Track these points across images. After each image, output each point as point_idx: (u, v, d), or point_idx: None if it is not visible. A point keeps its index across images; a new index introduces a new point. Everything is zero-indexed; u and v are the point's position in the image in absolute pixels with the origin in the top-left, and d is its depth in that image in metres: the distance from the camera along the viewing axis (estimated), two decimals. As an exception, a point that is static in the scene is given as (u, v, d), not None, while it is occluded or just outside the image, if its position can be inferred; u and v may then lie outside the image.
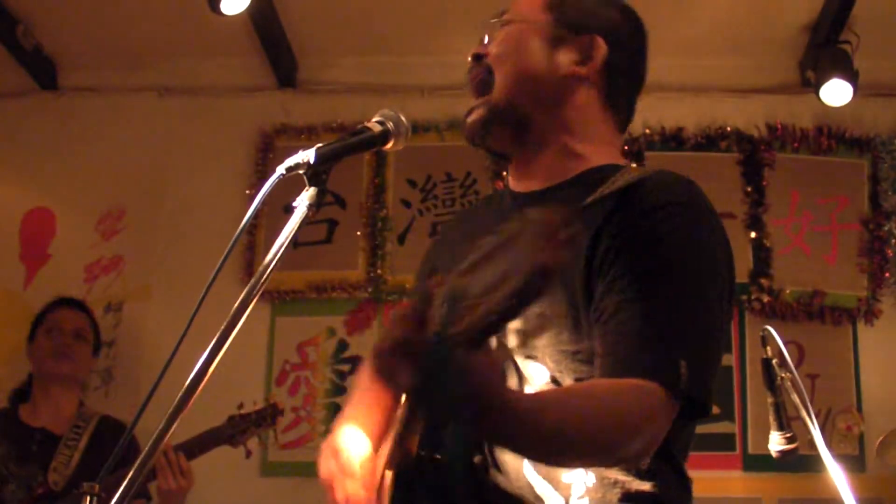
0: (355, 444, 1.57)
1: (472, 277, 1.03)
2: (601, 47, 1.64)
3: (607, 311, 1.40)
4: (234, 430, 3.16)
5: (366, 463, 1.53)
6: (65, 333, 3.57)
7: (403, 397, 1.45)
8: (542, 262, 0.94)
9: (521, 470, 1.46)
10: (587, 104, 1.64)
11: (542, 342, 1.47)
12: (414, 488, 1.45)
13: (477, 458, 1.45)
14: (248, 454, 3.20)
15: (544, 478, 1.46)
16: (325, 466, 1.55)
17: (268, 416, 3.23)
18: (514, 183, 1.70)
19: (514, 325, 1.06)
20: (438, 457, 1.35)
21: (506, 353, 1.12)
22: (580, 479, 1.45)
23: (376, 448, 1.62)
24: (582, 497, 1.45)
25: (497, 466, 1.47)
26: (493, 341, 1.06)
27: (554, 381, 1.46)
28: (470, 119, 1.65)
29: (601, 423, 1.29)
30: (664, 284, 1.41)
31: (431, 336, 1.03)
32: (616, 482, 1.45)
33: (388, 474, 1.50)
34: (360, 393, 1.74)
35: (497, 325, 1.00)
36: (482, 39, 1.69)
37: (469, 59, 1.70)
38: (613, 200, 1.48)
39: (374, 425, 1.66)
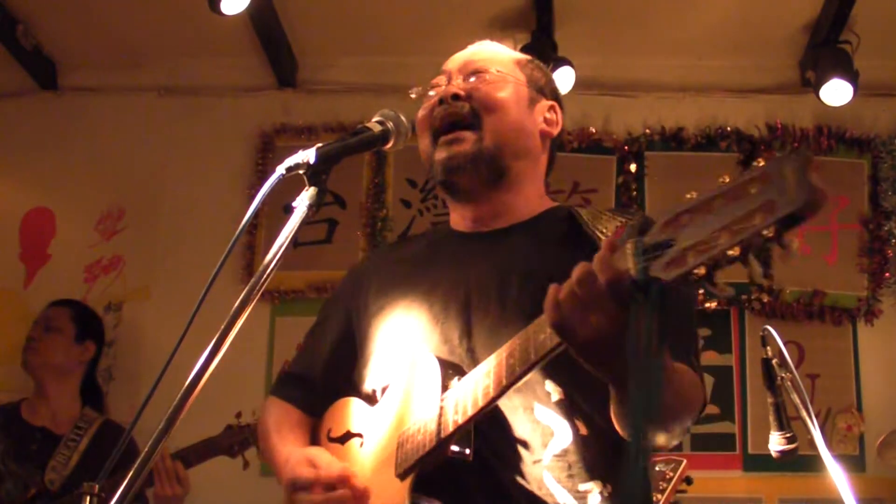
0: (327, 455, 1.62)
1: (677, 227, 1.05)
2: (560, 114, 1.82)
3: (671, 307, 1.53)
4: (233, 441, 3.15)
5: (343, 472, 1.57)
6: (36, 329, 3.58)
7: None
8: (817, 184, 0.99)
9: (541, 478, 1.51)
10: (543, 163, 1.81)
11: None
12: (435, 491, 1.48)
13: (496, 464, 1.50)
14: (246, 465, 3.19)
15: (563, 486, 1.51)
16: (301, 471, 1.58)
17: None
18: (465, 224, 1.78)
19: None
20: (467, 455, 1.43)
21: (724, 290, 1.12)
22: (595, 489, 1.51)
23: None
24: None
25: (522, 475, 1.51)
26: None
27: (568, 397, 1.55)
28: (458, 148, 1.70)
29: (690, 392, 1.47)
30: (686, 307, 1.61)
31: (637, 278, 1.07)
32: None
33: (399, 482, 1.51)
34: (280, 427, 1.78)
35: (738, 258, 1.03)
36: (448, 82, 1.76)
37: (446, 93, 1.73)
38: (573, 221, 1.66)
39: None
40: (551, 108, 1.79)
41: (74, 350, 3.59)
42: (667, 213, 1.07)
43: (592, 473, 1.52)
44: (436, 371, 1.51)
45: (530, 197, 1.76)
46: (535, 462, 1.52)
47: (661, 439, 1.45)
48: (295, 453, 1.65)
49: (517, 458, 1.52)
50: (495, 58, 1.79)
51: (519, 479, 1.51)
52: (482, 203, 1.74)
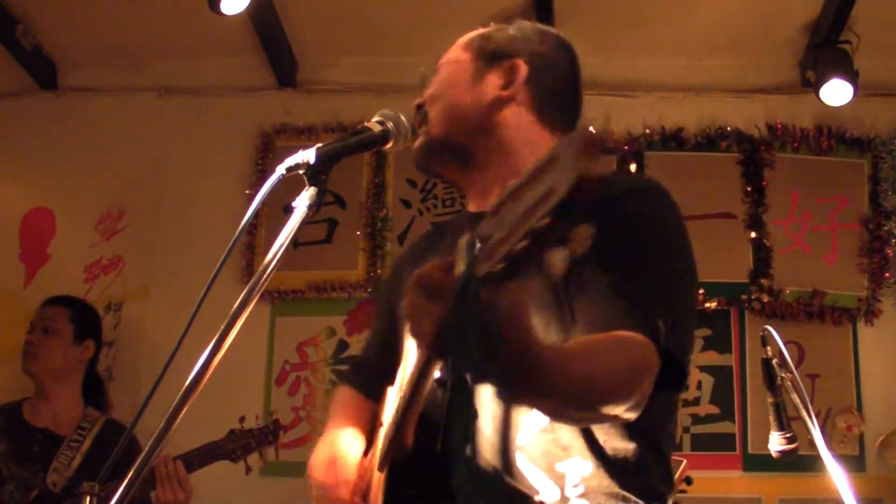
0: (352, 448, 1.66)
1: (495, 219, 0.98)
2: (521, 68, 1.74)
3: (587, 282, 1.46)
4: (235, 446, 3.15)
5: (358, 467, 1.59)
6: (33, 332, 3.57)
7: (400, 396, 1.47)
8: (583, 167, 0.87)
9: (514, 461, 1.49)
10: (520, 122, 1.73)
11: None
12: (408, 480, 1.48)
13: (469, 450, 1.47)
14: (248, 470, 3.19)
15: (539, 467, 1.49)
16: (319, 471, 1.64)
17: (269, 433, 3.23)
18: (472, 205, 1.80)
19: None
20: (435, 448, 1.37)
21: (534, 289, 1.07)
22: (574, 469, 1.49)
23: (366, 451, 1.67)
24: (577, 485, 1.48)
25: (497, 460, 1.50)
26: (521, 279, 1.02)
27: None
28: (414, 146, 1.75)
29: (611, 372, 1.33)
30: (640, 258, 1.48)
31: (460, 275, 1.00)
32: (611, 472, 1.49)
33: (381, 475, 1.52)
34: (337, 413, 1.82)
35: (527, 251, 0.93)
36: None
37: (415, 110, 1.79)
38: None
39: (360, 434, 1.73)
40: (510, 67, 1.73)
41: (74, 351, 3.57)
42: (495, 202, 0.99)
43: (568, 452, 1.49)
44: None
45: (521, 164, 1.68)
46: (510, 444, 1.50)
47: (578, 416, 1.37)
48: (321, 450, 1.71)
49: (491, 444, 1.51)
50: (450, 51, 1.83)
51: (494, 464, 1.50)
52: (471, 184, 1.76)
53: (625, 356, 1.35)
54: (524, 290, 1.07)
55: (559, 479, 1.48)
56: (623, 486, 1.48)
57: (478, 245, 0.98)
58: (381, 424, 1.69)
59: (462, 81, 1.75)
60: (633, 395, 1.33)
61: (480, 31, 1.84)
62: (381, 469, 1.54)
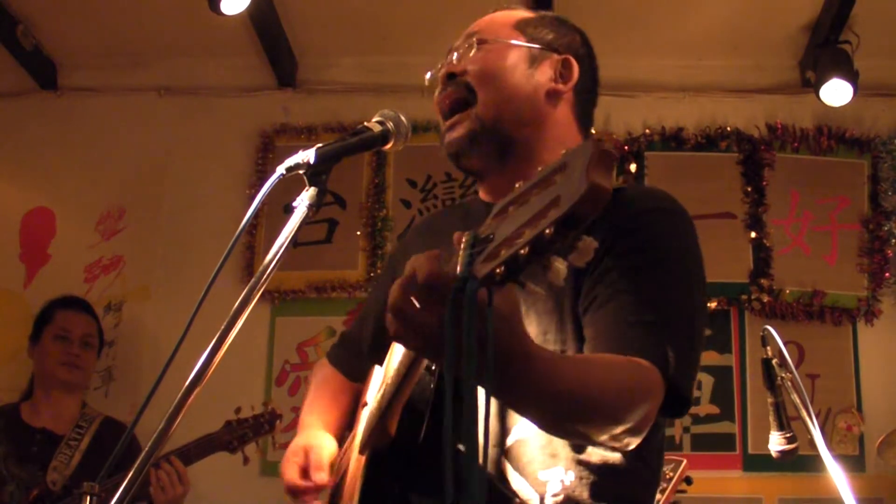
0: (326, 444, 1.66)
1: (498, 220, 0.95)
2: (574, 66, 1.71)
3: (598, 299, 1.44)
4: (232, 437, 3.15)
5: (333, 460, 1.58)
6: (73, 342, 3.56)
7: (386, 384, 1.47)
8: (593, 181, 0.84)
9: (497, 465, 1.48)
10: (564, 121, 1.70)
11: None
12: (387, 469, 1.47)
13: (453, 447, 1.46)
14: (246, 461, 3.19)
15: (521, 474, 1.48)
16: (291, 472, 1.65)
17: (265, 422, 3.22)
18: (486, 194, 1.74)
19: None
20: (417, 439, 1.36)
21: (532, 292, 0.99)
22: (556, 477, 1.47)
23: (340, 445, 1.66)
24: (557, 494, 1.47)
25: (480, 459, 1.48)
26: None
27: None
28: (455, 134, 1.66)
29: (611, 390, 1.28)
30: (655, 280, 1.45)
31: (456, 274, 0.95)
32: (592, 483, 1.47)
33: (361, 458, 1.51)
34: (316, 392, 1.79)
35: (530, 258, 0.89)
36: (449, 60, 1.72)
37: (439, 76, 1.71)
38: None
39: (334, 424, 1.71)
40: (564, 61, 1.69)
41: (95, 363, 3.76)
42: (500, 202, 0.97)
43: (554, 460, 1.48)
44: None
45: (550, 162, 1.71)
46: (493, 447, 1.48)
47: (570, 430, 1.32)
48: (297, 439, 1.71)
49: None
50: (492, 25, 1.73)
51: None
52: (499, 176, 1.67)
53: (626, 378, 1.31)
54: (522, 296, 1.04)
55: (540, 486, 1.47)
56: (605, 496, 1.47)
57: (477, 245, 0.96)
58: (364, 404, 1.67)
59: (519, 65, 1.66)
60: (631, 417, 1.28)
61: (522, 12, 1.76)
62: (361, 452, 1.53)
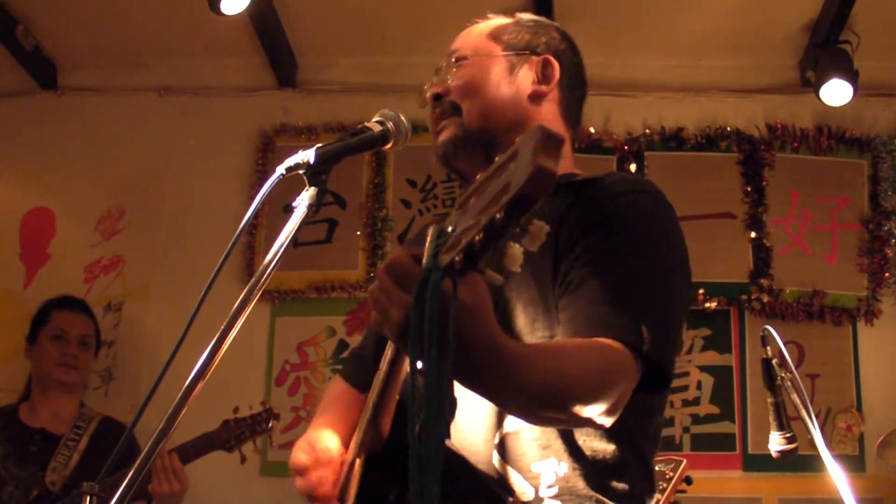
0: (330, 441, 1.66)
1: (460, 211, 0.99)
2: (555, 65, 1.73)
3: (573, 282, 1.45)
4: (229, 436, 3.15)
5: (338, 456, 1.61)
6: (71, 342, 3.56)
7: (375, 384, 1.47)
8: (539, 163, 0.87)
9: (490, 459, 1.49)
10: (550, 118, 1.72)
11: (517, 329, 1.49)
12: (383, 470, 1.47)
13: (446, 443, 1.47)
14: (243, 460, 3.19)
15: (514, 467, 1.49)
16: (298, 456, 1.65)
17: (263, 420, 3.22)
18: None
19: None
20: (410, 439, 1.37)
21: (494, 280, 1.05)
22: (550, 469, 1.48)
23: (346, 447, 1.67)
24: (552, 486, 1.47)
25: (472, 456, 1.49)
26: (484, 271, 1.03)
27: None
28: (442, 138, 1.70)
29: (580, 375, 1.29)
30: (629, 260, 1.47)
31: (424, 266, 0.99)
32: (586, 473, 1.47)
33: (358, 461, 1.52)
34: (326, 406, 1.81)
35: (485, 244, 0.93)
36: (435, 80, 1.75)
37: (427, 97, 1.75)
38: (573, 192, 1.56)
39: (345, 434, 1.73)
40: (544, 62, 1.72)
41: (93, 363, 3.76)
42: (463, 194, 1.00)
43: (547, 452, 1.48)
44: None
45: None
46: (485, 441, 1.49)
47: (546, 417, 1.34)
48: (303, 437, 1.71)
49: (469, 440, 1.50)
50: (468, 39, 1.77)
51: (470, 460, 1.49)
52: None
53: (597, 361, 1.32)
54: (484, 284, 1.06)
55: (534, 479, 1.48)
56: (599, 487, 1.47)
57: (442, 237, 0.99)
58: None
59: (498, 75, 1.70)
60: (605, 399, 1.30)
61: (498, 21, 1.80)
62: (357, 455, 1.54)
